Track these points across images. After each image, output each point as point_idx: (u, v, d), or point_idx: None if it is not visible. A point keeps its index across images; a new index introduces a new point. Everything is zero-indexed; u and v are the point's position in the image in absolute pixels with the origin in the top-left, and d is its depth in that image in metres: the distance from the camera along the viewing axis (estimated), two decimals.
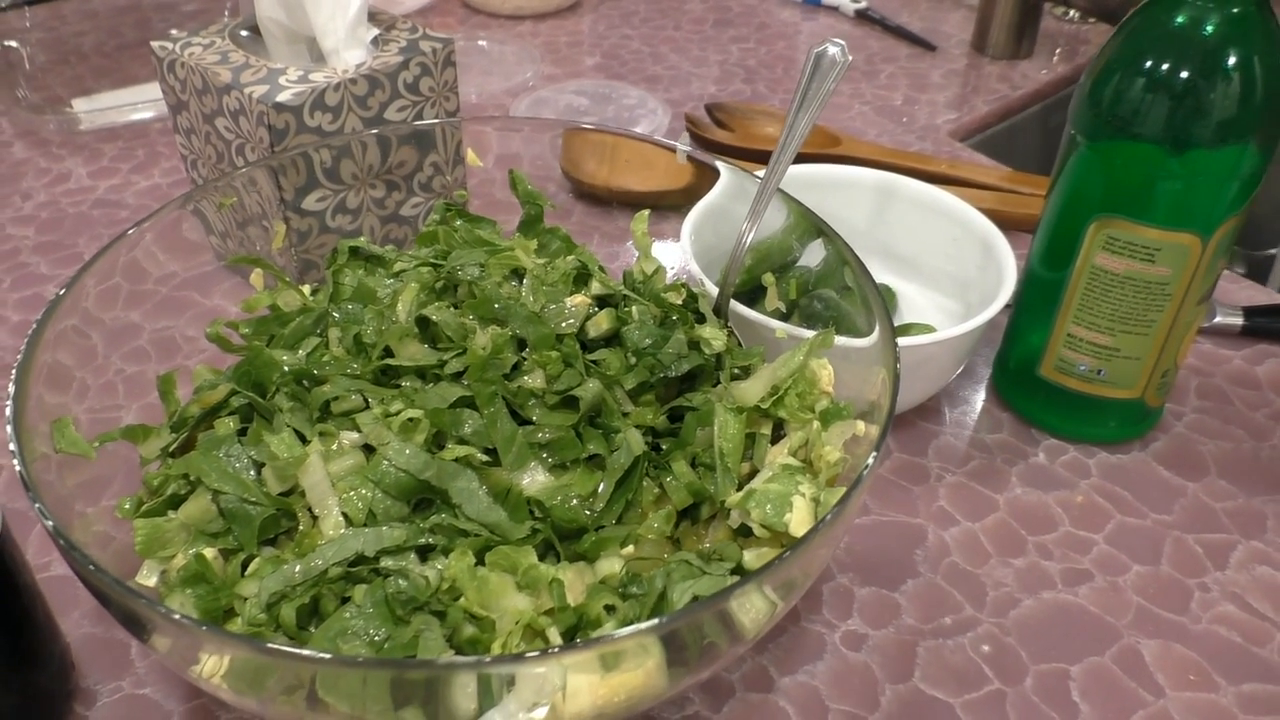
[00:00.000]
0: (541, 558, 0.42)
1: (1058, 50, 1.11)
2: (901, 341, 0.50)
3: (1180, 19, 0.50)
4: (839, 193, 0.70)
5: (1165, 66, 0.51)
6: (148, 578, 0.42)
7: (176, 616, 0.32)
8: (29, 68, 0.98)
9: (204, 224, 0.65)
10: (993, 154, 0.94)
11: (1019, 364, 0.63)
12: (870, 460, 0.38)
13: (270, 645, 0.31)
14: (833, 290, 0.62)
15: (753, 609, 0.35)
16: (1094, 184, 0.55)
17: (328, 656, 0.31)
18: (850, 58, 0.53)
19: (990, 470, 0.61)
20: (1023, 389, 0.64)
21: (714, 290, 0.57)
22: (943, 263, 0.68)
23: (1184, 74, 0.50)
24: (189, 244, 0.58)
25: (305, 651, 0.31)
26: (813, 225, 0.54)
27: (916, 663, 0.51)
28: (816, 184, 0.69)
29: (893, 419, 0.41)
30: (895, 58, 1.10)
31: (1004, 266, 0.61)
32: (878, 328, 0.46)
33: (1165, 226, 0.53)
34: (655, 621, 0.32)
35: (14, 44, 0.99)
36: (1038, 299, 0.60)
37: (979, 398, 0.66)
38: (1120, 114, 0.52)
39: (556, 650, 0.32)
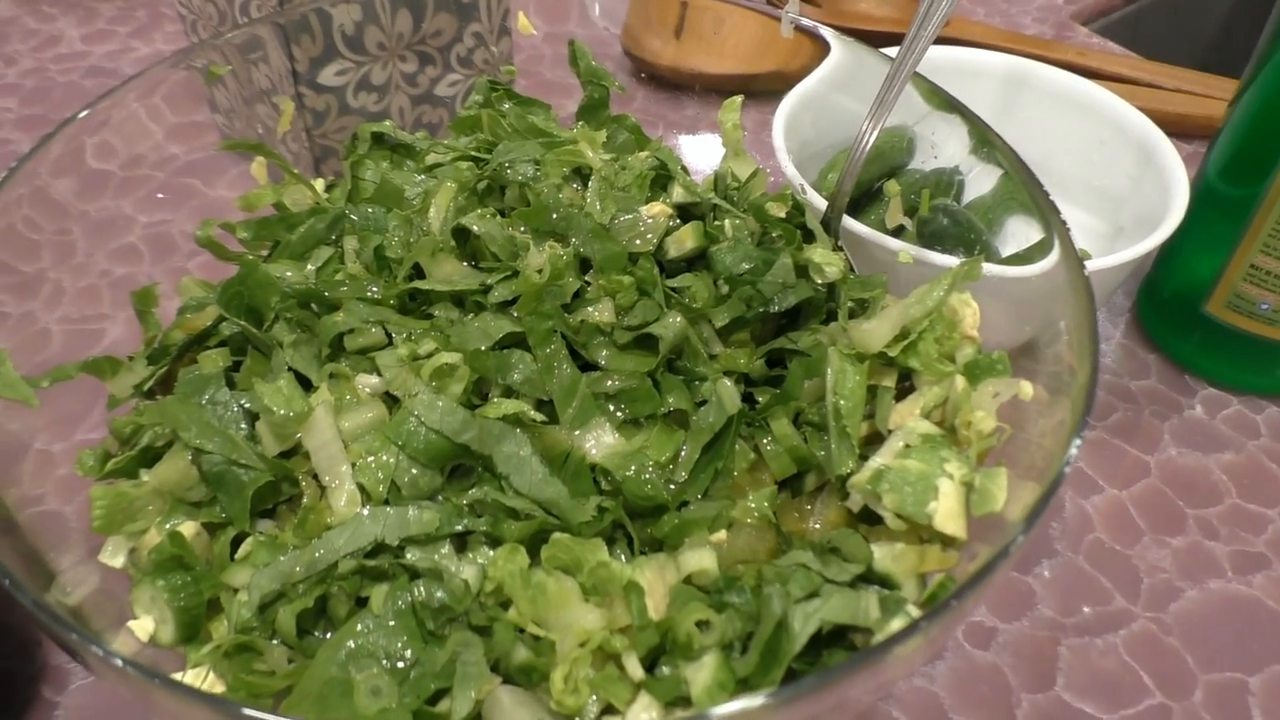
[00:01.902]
0: (609, 542, 0.33)
1: None
2: (1038, 268, 0.40)
3: None
4: (959, 82, 0.57)
5: None
6: (113, 557, 0.33)
7: (106, 656, 0.23)
8: None
9: (210, 100, 0.55)
10: (1115, 42, 0.81)
11: (1177, 297, 0.52)
12: (1073, 449, 0.28)
13: (247, 712, 0.22)
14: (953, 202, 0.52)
15: (909, 659, 0.26)
16: None
17: None
18: None
19: (1137, 425, 0.51)
20: (1178, 327, 0.53)
21: (819, 201, 0.46)
22: (1086, 172, 0.56)
23: None
24: (193, 124, 0.49)
25: None
26: (947, 105, 0.43)
27: (1059, 666, 0.41)
28: (931, 70, 0.57)
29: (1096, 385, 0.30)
30: None
31: (1170, 179, 0.50)
32: (1057, 248, 0.36)
33: None
34: (788, 691, 0.23)
35: None
36: (1212, 220, 0.49)
37: (1116, 333, 0.56)
38: None
39: None
